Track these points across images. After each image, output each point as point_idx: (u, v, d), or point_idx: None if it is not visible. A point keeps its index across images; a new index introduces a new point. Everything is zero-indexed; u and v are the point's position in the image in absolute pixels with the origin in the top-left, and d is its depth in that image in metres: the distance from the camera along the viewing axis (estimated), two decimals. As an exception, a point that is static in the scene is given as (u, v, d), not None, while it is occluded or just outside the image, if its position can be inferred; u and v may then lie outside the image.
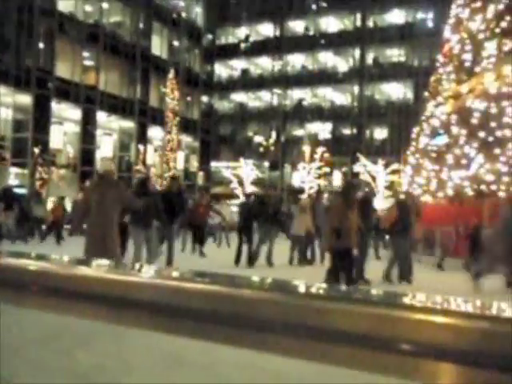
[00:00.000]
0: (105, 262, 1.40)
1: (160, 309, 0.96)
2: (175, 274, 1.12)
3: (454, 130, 16.80)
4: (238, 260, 12.44)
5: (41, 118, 33.11)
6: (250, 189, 40.08)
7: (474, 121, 16.12)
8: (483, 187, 15.30)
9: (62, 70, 34.99)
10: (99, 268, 1.20)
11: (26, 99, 32.50)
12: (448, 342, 0.78)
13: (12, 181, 32.06)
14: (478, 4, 17.29)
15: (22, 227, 18.97)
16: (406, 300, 0.88)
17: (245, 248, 12.57)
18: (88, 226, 7.04)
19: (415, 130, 20.03)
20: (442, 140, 17.31)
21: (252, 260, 12.44)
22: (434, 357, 0.78)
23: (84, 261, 1.30)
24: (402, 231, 10.28)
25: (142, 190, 9.29)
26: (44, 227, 19.75)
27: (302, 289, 0.93)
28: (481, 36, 16.94)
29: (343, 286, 1.22)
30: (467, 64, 17.29)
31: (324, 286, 1.00)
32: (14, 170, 33.04)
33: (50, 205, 25.86)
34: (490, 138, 15.55)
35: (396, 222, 10.22)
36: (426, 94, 20.16)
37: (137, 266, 1.15)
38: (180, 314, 0.94)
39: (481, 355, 0.75)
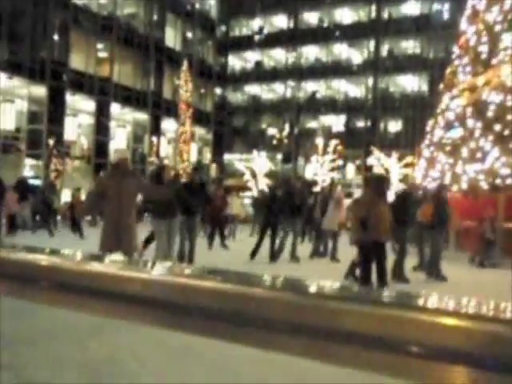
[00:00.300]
0: (115, 257, 1.39)
1: (168, 306, 0.96)
2: (185, 271, 1.11)
3: (470, 122, 16.63)
4: (254, 254, 11.75)
5: (55, 110, 33.34)
6: (263, 181, 40.08)
7: (490, 113, 15.94)
8: (498, 181, 15.14)
9: (77, 61, 35.16)
10: (109, 264, 1.20)
11: (40, 91, 32.72)
12: (458, 345, 0.77)
13: (27, 172, 32.36)
14: (495, -5, 17.05)
15: (43, 219, 19.04)
16: (418, 301, 0.87)
17: (264, 242, 11.91)
18: (104, 218, 6.82)
19: (430, 122, 19.86)
20: (457, 133, 17.15)
21: (277, 254, 11.88)
22: (444, 359, 0.77)
23: (96, 257, 1.30)
24: (439, 225, 9.99)
25: (158, 180, 8.96)
26: (59, 218, 19.82)
27: (312, 288, 0.92)
28: (498, 27, 16.71)
29: (354, 286, 1.18)
30: (483, 56, 17.08)
31: (334, 285, 0.98)
32: (28, 161, 33.34)
33: (64, 196, 26.10)
34: (506, 132, 15.37)
35: (433, 215, 9.90)
36: (441, 86, 19.95)
37: (146, 262, 1.14)
38: (188, 311, 0.94)
39: (490, 358, 0.74)
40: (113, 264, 1.15)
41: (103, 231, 6.53)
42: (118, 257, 1.43)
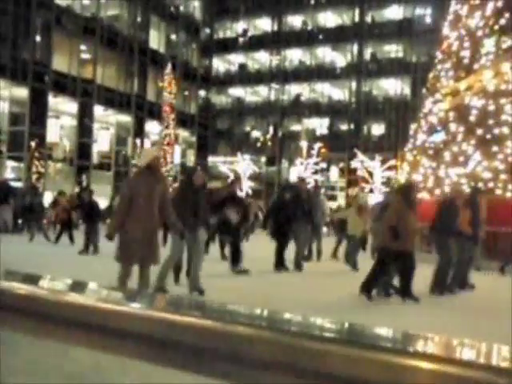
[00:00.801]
0: (95, 288, 1.34)
1: (155, 341, 0.93)
2: (167, 304, 1.09)
3: (452, 127, 16.77)
4: (279, 264, 10.90)
5: (37, 112, 32.97)
6: (247, 184, 40.05)
7: (472, 118, 16.09)
8: (480, 185, 15.28)
9: (59, 63, 34.81)
10: (94, 296, 1.16)
11: (22, 92, 32.34)
12: None
13: (8, 174, 31.95)
14: (477, 1, 17.23)
15: (27, 222, 18.56)
16: (408, 346, 0.85)
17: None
18: (130, 225, 5.82)
19: (413, 126, 19.99)
20: (440, 137, 17.28)
21: (301, 263, 11.27)
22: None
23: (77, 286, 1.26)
24: (475, 233, 9.34)
25: (188, 184, 7.83)
26: (45, 222, 19.39)
27: (297, 327, 0.90)
28: (480, 33, 16.89)
29: (346, 325, 1.12)
30: (466, 61, 17.24)
31: (324, 323, 0.96)
32: (10, 163, 32.92)
33: (47, 199, 25.82)
34: (488, 136, 15.52)
35: (470, 223, 9.14)
36: (424, 90, 20.10)
37: (128, 294, 1.11)
38: (174, 346, 0.91)
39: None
40: (93, 295, 1.12)
41: (125, 240, 5.76)
42: (98, 287, 1.39)
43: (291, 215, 10.96)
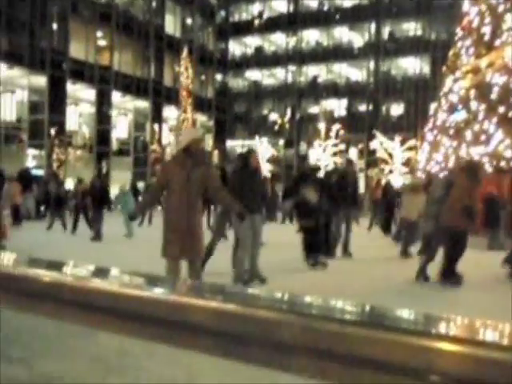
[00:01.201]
0: (116, 274, 1.35)
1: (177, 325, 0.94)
2: (186, 288, 1.10)
3: (473, 105, 16.52)
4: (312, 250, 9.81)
5: (56, 100, 33.23)
6: (266, 167, 40.00)
7: (494, 96, 15.82)
8: (503, 163, 15.07)
9: (76, 50, 34.96)
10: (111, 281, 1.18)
11: (41, 81, 32.60)
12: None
13: (29, 162, 32.36)
14: (498, -25, 16.83)
15: (56, 209, 18.52)
16: (431, 327, 0.84)
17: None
18: (166, 215, 5.46)
19: (433, 105, 19.73)
20: (461, 116, 17.04)
21: (333, 249, 10.31)
22: None
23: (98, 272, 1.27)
24: None
25: (244, 167, 7.36)
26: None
27: (317, 310, 0.90)
28: (501, 8, 16.53)
29: (365, 307, 1.09)
30: (486, 37, 16.91)
31: (344, 306, 0.95)
32: (31, 151, 33.32)
33: (68, 186, 26.12)
34: (510, 114, 15.27)
35: None
36: (444, 68, 19.79)
37: (147, 279, 1.12)
38: (195, 330, 0.92)
39: None
40: (114, 281, 1.14)
41: (165, 232, 5.31)
42: (118, 273, 1.39)
43: (339, 199, 10.14)
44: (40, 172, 29.82)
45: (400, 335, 0.82)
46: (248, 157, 7.55)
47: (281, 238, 12.97)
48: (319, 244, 8.99)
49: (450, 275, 7.44)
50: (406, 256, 10.44)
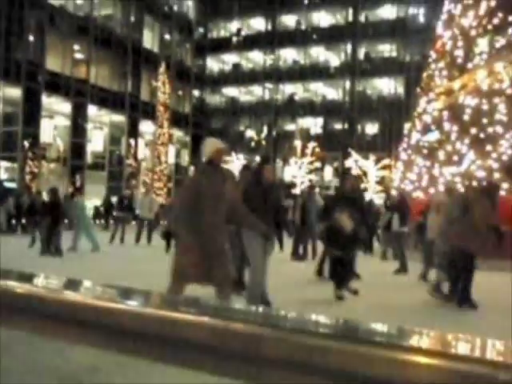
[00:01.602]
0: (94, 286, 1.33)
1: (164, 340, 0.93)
2: (176, 303, 1.09)
3: (446, 126, 16.82)
4: (321, 272, 9.73)
5: (31, 112, 32.85)
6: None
7: (466, 117, 16.15)
8: (474, 183, 15.33)
9: (53, 63, 34.69)
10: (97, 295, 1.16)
11: (15, 92, 32.21)
12: None
13: (2, 175, 31.82)
14: (471, 0, 17.29)
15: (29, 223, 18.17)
16: (409, 341, 0.85)
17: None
18: (191, 236, 4.70)
19: (407, 125, 20.05)
20: (434, 136, 17.34)
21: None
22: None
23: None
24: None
25: (257, 181, 6.59)
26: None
27: (306, 326, 0.90)
28: (473, 32, 16.95)
29: (357, 325, 1.08)
30: (459, 60, 17.30)
31: (323, 320, 0.96)
32: (3, 163, 32.78)
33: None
34: (482, 135, 15.59)
35: None
36: (418, 89, 20.16)
37: (132, 293, 1.10)
38: (175, 344, 0.91)
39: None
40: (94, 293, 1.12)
41: (184, 253, 4.69)
42: (93, 285, 1.37)
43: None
44: (12, 185, 29.32)
45: (376, 349, 0.82)
46: (261, 170, 6.66)
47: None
48: (349, 274, 8.10)
49: (467, 298, 7.26)
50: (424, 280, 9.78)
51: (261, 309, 1.03)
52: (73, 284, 1.38)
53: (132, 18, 41.16)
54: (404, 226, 11.84)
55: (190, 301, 1.07)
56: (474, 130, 15.78)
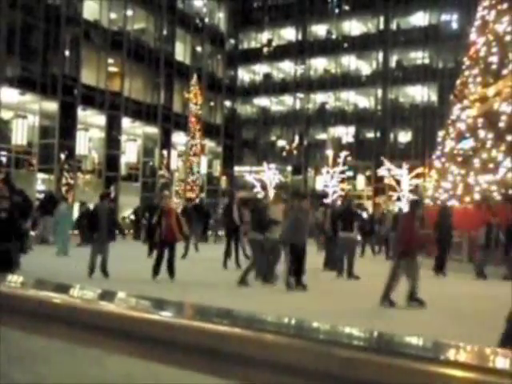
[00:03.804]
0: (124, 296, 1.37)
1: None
2: (192, 311, 1.10)
3: (481, 133, 16.54)
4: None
5: (67, 125, 33.55)
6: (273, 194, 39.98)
7: (502, 124, 15.85)
8: (511, 191, 15.00)
9: (88, 76, 35.43)
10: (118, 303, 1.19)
11: (52, 106, 32.98)
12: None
13: (39, 186, 32.55)
14: (505, 6, 17.02)
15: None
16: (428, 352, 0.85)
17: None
18: None
19: (440, 133, 19.77)
20: (469, 144, 17.06)
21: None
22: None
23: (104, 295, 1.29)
24: None
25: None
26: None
27: (323, 335, 0.90)
28: (508, 38, 16.67)
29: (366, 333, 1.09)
30: (494, 66, 17.02)
31: (350, 331, 0.96)
32: (40, 175, 33.54)
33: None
34: (518, 142, 15.28)
35: None
36: (452, 97, 19.89)
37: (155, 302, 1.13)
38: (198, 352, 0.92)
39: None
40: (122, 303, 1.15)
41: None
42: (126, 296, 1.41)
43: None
44: (49, 196, 29.91)
45: (407, 361, 0.82)
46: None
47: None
48: None
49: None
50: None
51: (293, 321, 1.04)
52: (108, 295, 1.41)
53: (164, 31, 41.78)
54: None
55: (223, 312, 1.08)
56: (510, 137, 15.47)
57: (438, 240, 12.84)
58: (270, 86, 52.59)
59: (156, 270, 10.54)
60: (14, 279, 1.54)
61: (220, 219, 22.63)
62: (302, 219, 9.14)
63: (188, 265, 13.33)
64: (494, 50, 17.09)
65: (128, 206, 34.24)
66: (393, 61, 48.57)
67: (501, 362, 0.87)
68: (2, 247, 6.20)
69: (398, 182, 38.64)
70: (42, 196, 27.77)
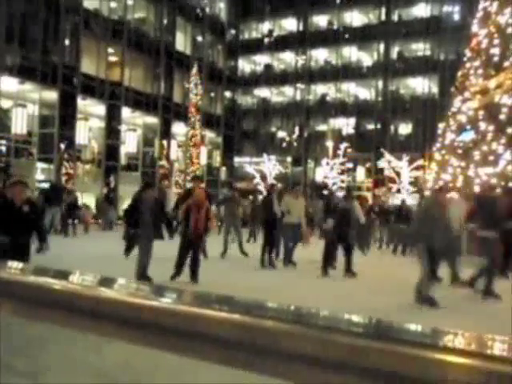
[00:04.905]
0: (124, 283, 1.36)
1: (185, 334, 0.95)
2: (196, 299, 1.10)
3: (482, 125, 16.52)
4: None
5: (66, 114, 33.49)
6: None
7: (503, 116, 15.82)
8: (511, 184, 14.99)
9: (88, 66, 35.31)
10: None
11: (52, 95, 32.90)
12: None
13: (38, 176, 32.54)
14: (507, -3, 16.94)
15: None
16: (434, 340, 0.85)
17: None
18: None
19: (441, 125, 19.74)
20: (469, 136, 17.03)
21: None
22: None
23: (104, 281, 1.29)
24: None
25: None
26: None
27: (323, 321, 0.90)
28: (510, 30, 16.60)
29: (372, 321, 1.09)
30: (495, 58, 16.96)
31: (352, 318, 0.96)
32: (40, 165, 33.52)
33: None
34: (519, 134, 15.26)
35: None
36: (453, 89, 19.84)
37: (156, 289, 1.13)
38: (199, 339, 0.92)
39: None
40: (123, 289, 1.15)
41: None
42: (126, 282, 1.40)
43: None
44: (48, 185, 29.91)
45: (409, 348, 0.82)
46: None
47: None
48: None
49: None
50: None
51: (292, 307, 1.03)
52: (108, 281, 1.41)
53: (165, 21, 41.59)
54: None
55: (223, 298, 1.08)
56: (510, 130, 15.44)
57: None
58: (270, 77, 52.46)
59: (179, 272, 9.09)
60: (14, 265, 1.54)
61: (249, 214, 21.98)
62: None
63: (214, 264, 11.83)
64: (496, 41, 17.03)
65: (127, 195, 34.24)
66: (394, 52, 48.41)
67: (499, 349, 0.87)
68: (23, 240, 6.23)
69: (398, 174, 38.65)
70: (46, 186, 27.74)
